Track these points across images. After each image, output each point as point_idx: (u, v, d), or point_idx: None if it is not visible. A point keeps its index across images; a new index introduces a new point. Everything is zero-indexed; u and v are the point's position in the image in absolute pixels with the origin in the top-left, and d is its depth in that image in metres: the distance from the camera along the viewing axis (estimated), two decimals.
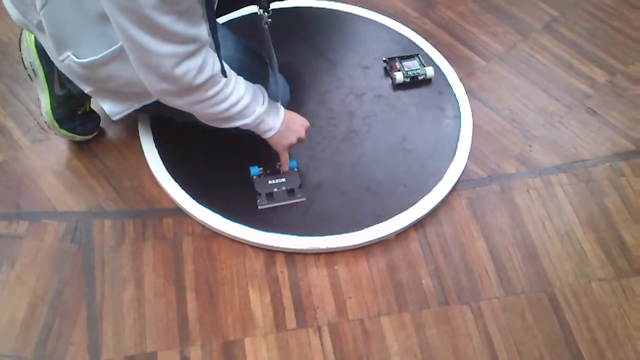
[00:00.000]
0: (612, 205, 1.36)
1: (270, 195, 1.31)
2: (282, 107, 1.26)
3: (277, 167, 1.35)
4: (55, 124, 1.34)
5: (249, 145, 1.30)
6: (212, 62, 1.03)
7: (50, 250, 1.24)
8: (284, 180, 1.34)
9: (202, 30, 0.98)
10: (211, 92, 1.06)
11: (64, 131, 1.35)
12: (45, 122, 1.34)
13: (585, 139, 1.49)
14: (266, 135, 1.24)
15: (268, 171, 1.34)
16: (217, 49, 1.04)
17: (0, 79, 1.53)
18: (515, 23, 1.77)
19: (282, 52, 1.53)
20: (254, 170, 1.33)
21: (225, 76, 1.07)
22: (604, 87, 1.61)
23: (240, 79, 1.14)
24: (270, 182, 1.33)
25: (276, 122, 1.23)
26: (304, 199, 1.32)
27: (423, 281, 1.23)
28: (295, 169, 1.36)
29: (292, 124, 1.27)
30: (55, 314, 1.16)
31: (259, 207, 1.30)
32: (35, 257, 1.23)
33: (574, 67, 1.65)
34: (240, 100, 1.12)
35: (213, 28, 1.01)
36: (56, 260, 1.23)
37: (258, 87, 1.20)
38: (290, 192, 1.32)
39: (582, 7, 1.82)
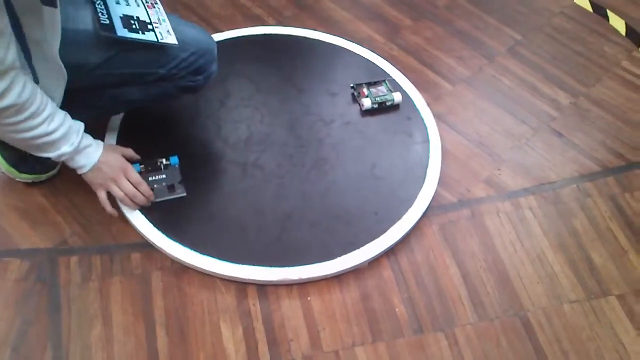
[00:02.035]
0: (580, 226, 1.38)
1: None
2: (101, 148, 1.21)
3: (158, 164, 1.36)
4: (13, 170, 1.31)
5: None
6: (19, 89, 1.00)
7: (13, 289, 1.21)
8: (164, 176, 1.35)
9: (7, 54, 0.95)
10: (11, 119, 1.04)
11: (25, 175, 1.32)
12: (3, 173, 1.31)
13: (552, 161, 1.51)
14: (78, 172, 1.21)
15: (149, 168, 1.35)
16: (34, 76, 1.04)
17: None
18: (481, 47, 1.79)
19: (250, 79, 1.54)
20: (135, 168, 1.31)
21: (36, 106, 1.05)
22: (567, 109, 1.63)
23: (57, 113, 1.11)
24: (150, 178, 1.33)
25: (88, 161, 1.19)
26: (185, 194, 1.33)
27: (397, 309, 1.22)
28: (176, 165, 1.36)
29: (106, 167, 1.22)
30: (19, 357, 1.12)
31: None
32: None
33: (539, 90, 1.67)
34: (45, 136, 1.10)
35: (26, 51, 0.99)
36: (19, 299, 1.19)
37: (76, 125, 1.15)
38: (171, 188, 1.33)
39: (544, 32, 1.86)
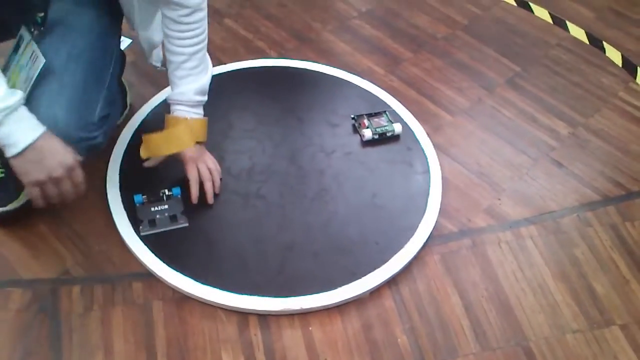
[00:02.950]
0: (582, 256, 1.38)
1: (152, 222, 1.33)
2: (42, 128, 1.04)
3: (161, 194, 1.37)
4: None
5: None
6: None
7: (14, 320, 1.20)
8: (166, 207, 1.36)
9: None
10: None
11: None
12: None
13: (552, 191, 1.51)
14: (6, 153, 1.02)
15: (152, 199, 1.36)
16: None
17: None
18: (480, 78, 1.81)
19: (252, 111, 1.56)
20: (138, 198, 1.34)
21: None
22: (567, 139, 1.65)
23: None
24: (152, 209, 1.35)
25: (20, 138, 1.01)
26: (187, 224, 1.34)
27: (399, 340, 1.21)
28: (179, 196, 1.38)
29: (48, 154, 1.03)
30: None
31: (141, 234, 1.31)
32: None
33: (538, 120, 1.69)
34: None
35: None
36: (21, 330, 1.19)
37: (5, 81, 1.01)
38: (173, 218, 1.34)
39: (542, 63, 1.88)
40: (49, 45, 1.14)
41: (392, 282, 1.30)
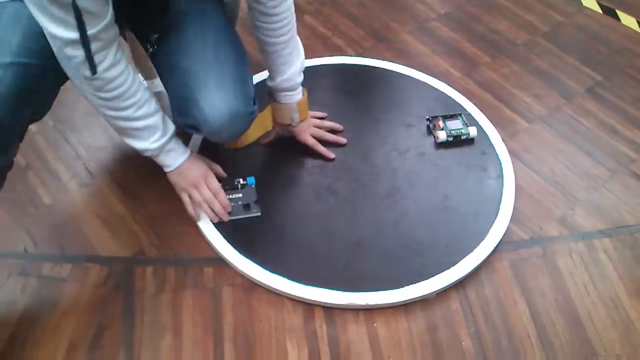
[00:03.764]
0: None
1: None
2: (187, 154, 1.31)
3: (236, 183, 1.41)
4: None
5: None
6: (108, 62, 1.05)
7: (91, 294, 1.26)
8: (240, 195, 1.39)
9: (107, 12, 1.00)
10: (99, 94, 1.10)
11: None
12: None
13: (630, 204, 1.47)
14: (164, 170, 1.31)
15: (227, 187, 1.39)
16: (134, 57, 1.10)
17: (55, 124, 1.58)
18: (559, 86, 1.78)
19: (328, 107, 1.58)
20: None
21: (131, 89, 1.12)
22: None
23: (148, 104, 1.18)
24: (228, 196, 1.37)
25: (172, 162, 1.29)
26: (259, 213, 1.37)
27: (463, 343, 1.21)
28: (253, 185, 1.41)
29: (188, 172, 1.32)
30: (93, 358, 1.16)
31: (215, 220, 1.36)
32: (76, 301, 1.25)
33: (618, 132, 1.64)
34: (129, 120, 1.18)
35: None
36: (97, 304, 1.24)
37: (165, 125, 1.24)
38: (246, 207, 1.38)
39: (627, 73, 1.83)
40: (190, 42, 1.23)
41: (459, 285, 1.29)
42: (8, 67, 1.03)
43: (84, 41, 0.98)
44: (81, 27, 0.96)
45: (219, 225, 1.35)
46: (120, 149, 1.53)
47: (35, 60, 1.06)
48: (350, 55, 1.83)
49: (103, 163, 1.51)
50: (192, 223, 1.37)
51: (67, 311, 1.23)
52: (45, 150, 1.53)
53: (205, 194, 1.33)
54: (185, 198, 1.34)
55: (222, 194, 1.35)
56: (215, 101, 1.19)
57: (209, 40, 1.23)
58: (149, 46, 1.25)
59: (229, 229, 1.34)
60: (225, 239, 1.32)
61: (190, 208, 1.35)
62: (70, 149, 1.54)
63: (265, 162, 1.49)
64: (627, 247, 1.38)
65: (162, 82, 1.27)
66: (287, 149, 1.51)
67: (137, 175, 1.48)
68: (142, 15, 1.25)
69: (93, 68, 1.03)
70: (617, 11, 2.07)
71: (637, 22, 2.02)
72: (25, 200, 1.42)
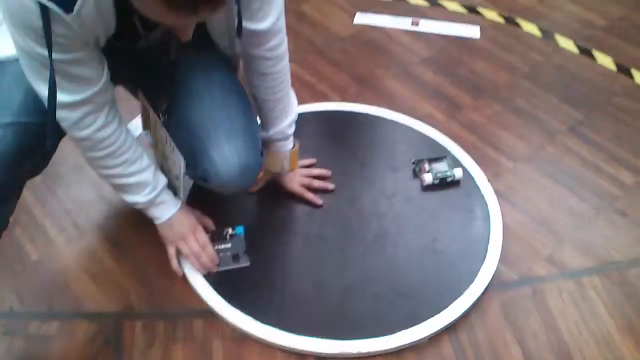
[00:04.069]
0: None
1: None
2: (177, 207, 1.31)
3: (224, 233, 1.41)
4: None
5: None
6: (98, 123, 1.08)
7: (80, 351, 1.24)
8: (229, 245, 1.39)
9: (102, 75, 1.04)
10: (90, 154, 1.14)
11: None
12: None
13: (617, 241, 1.48)
14: (154, 222, 1.32)
15: (215, 237, 1.39)
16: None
17: (43, 179, 1.58)
18: (541, 125, 1.80)
19: (314, 153, 1.59)
20: None
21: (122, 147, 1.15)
22: (632, 188, 1.61)
23: (139, 160, 1.21)
24: (216, 247, 1.37)
25: (161, 215, 1.30)
26: (248, 263, 1.36)
27: None
28: (242, 235, 1.40)
29: (177, 225, 1.32)
30: None
31: (202, 272, 1.35)
32: (65, 358, 1.23)
33: (601, 169, 1.67)
34: (120, 177, 1.20)
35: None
36: None
37: (156, 180, 1.26)
38: (235, 257, 1.37)
39: (606, 111, 1.86)
40: (198, 96, 1.24)
41: (451, 328, 1.29)
42: (8, 127, 1.04)
43: (51, 115, 0.99)
44: (52, 99, 0.97)
45: (208, 277, 1.34)
46: (108, 204, 1.53)
47: (36, 118, 1.06)
48: (336, 101, 1.85)
49: (91, 218, 1.50)
50: (181, 276, 1.36)
51: None
52: (33, 206, 1.53)
53: (192, 247, 1.33)
54: (171, 251, 1.35)
55: (208, 247, 1.34)
56: (227, 154, 1.21)
57: (216, 94, 1.25)
58: (160, 114, 1.27)
59: (218, 280, 1.34)
60: (215, 290, 1.32)
61: (174, 262, 1.35)
62: (58, 204, 1.53)
63: (253, 211, 1.50)
64: (615, 284, 1.39)
65: (173, 139, 1.27)
66: (275, 197, 1.51)
67: (126, 229, 1.48)
68: (151, 84, 1.29)
69: (50, 148, 1.08)
70: (593, 51, 2.12)
71: (613, 61, 2.07)
72: (12, 258, 1.41)
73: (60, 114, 1.03)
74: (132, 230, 1.47)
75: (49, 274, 1.39)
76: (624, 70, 2.03)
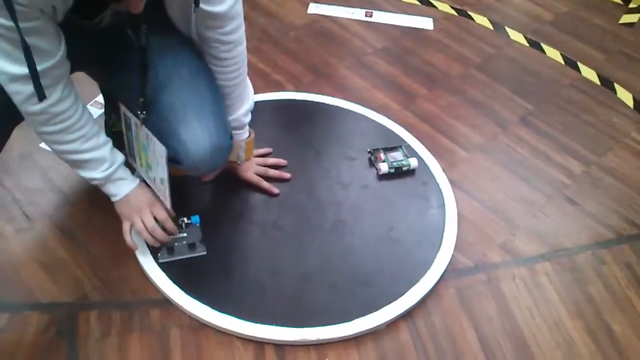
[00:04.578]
0: (597, 294, 1.38)
1: (170, 249, 1.35)
2: (135, 184, 1.30)
3: (180, 222, 1.38)
4: None
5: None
6: (53, 98, 1.07)
7: (32, 343, 1.20)
8: (185, 235, 1.37)
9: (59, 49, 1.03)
10: (45, 128, 1.12)
11: None
12: None
13: (567, 228, 1.52)
14: (111, 199, 1.30)
15: None
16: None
17: None
18: (494, 116, 1.84)
19: (270, 142, 1.58)
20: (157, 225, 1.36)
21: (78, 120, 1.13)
22: (580, 177, 1.66)
23: (95, 136, 1.19)
24: (171, 236, 1.35)
25: (118, 191, 1.28)
26: (205, 252, 1.35)
27: None
28: (197, 224, 1.39)
29: (134, 200, 1.30)
30: None
31: (160, 261, 1.33)
32: (15, 351, 1.19)
33: (551, 158, 1.71)
34: (76, 153, 1.19)
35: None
36: (38, 354, 1.19)
37: (113, 156, 1.24)
38: (191, 246, 1.36)
39: (555, 102, 1.91)
40: (166, 77, 1.22)
41: (408, 315, 1.30)
42: None
43: (34, 77, 0.98)
44: (30, 63, 0.97)
45: (164, 266, 1.32)
46: (58, 192, 1.49)
47: None
48: (290, 91, 1.84)
49: (41, 207, 1.46)
50: (136, 265, 1.33)
51: None
52: None
53: (147, 222, 1.30)
54: (125, 226, 1.32)
55: (169, 222, 1.33)
56: (198, 134, 1.20)
57: (184, 74, 1.23)
58: (139, 112, 1.23)
59: (174, 270, 1.31)
60: (171, 279, 1.29)
61: (127, 236, 1.31)
62: (6, 193, 1.48)
63: (209, 200, 1.48)
64: (566, 269, 1.42)
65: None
66: (230, 186, 1.49)
67: (77, 218, 1.44)
68: (122, 75, 1.26)
69: (42, 99, 1.03)
70: (542, 44, 2.17)
71: (561, 54, 2.12)
72: None
73: (13, 87, 1.01)
74: (84, 219, 1.43)
75: None
76: (571, 64, 2.08)
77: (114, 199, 1.30)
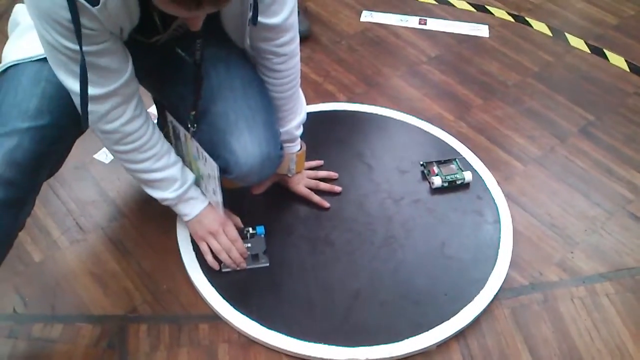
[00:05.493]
0: None
1: None
2: (206, 201, 1.32)
3: (245, 232, 1.39)
4: None
5: None
6: (126, 117, 1.09)
7: (84, 355, 1.22)
8: (249, 245, 1.37)
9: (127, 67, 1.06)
10: (117, 147, 1.15)
11: None
12: None
13: (629, 246, 1.46)
14: (183, 219, 1.34)
15: None
16: (159, 112, 1.12)
17: None
18: (552, 127, 1.78)
19: (320, 155, 1.57)
20: None
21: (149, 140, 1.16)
22: None
23: (167, 155, 1.22)
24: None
25: (190, 211, 1.31)
26: (268, 264, 1.35)
27: None
28: (262, 235, 1.40)
29: (205, 219, 1.32)
30: None
31: (223, 270, 1.34)
32: None
33: (613, 172, 1.64)
34: (148, 172, 1.21)
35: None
36: None
37: (184, 175, 1.27)
38: (255, 257, 1.36)
39: (618, 112, 1.83)
40: (218, 88, 1.23)
41: (460, 335, 1.26)
42: (25, 133, 1.04)
43: (82, 98, 1.00)
44: (84, 84, 0.99)
45: (214, 281, 1.32)
46: (112, 204, 1.51)
47: (51, 121, 1.07)
48: (342, 102, 1.83)
49: (94, 218, 1.48)
50: (186, 279, 1.34)
51: None
52: (35, 206, 1.50)
53: (223, 242, 1.33)
54: (203, 247, 1.34)
55: (239, 242, 1.34)
56: (248, 144, 1.21)
57: (236, 85, 1.24)
58: (190, 126, 1.25)
59: (224, 284, 1.32)
60: (220, 295, 1.29)
61: (209, 257, 1.34)
62: (61, 204, 1.51)
63: (259, 213, 1.47)
64: (628, 290, 1.36)
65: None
66: (281, 199, 1.49)
67: (129, 231, 1.46)
68: (176, 90, 1.27)
69: (85, 126, 1.06)
70: (605, 51, 2.09)
71: (625, 61, 2.04)
72: (14, 258, 1.39)
73: (88, 107, 1.03)
74: (136, 232, 1.45)
75: (52, 275, 1.37)
76: (636, 71, 2.00)
77: (186, 219, 1.32)
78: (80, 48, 0.93)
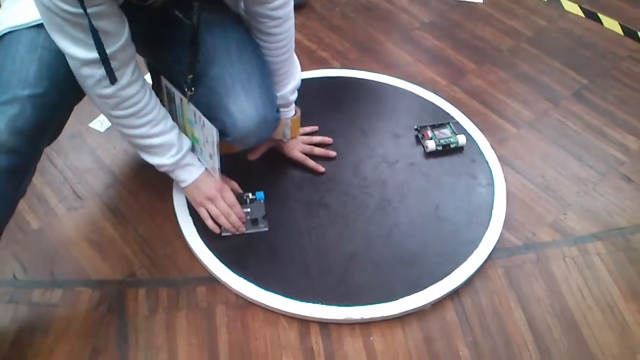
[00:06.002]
0: None
1: None
2: (201, 168, 1.33)
3: (245, 198, 1.41)
4: None
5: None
6: (123, 81, 1.09)
7: (84, 318, 1.24)
8: (249, 210, 1.39)
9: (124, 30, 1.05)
10: (115, 112, 1.15)
11: None
12: None
13: (621, 207, 1.47)
14: (180, 185, 1.35)
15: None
16: (154, 77, 1.12)
17: None
18: (545, 91, 1.78)
19: (314, 121, 1.57)
20: None
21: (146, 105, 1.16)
22: (637, 153, 1.60)
23: (163, 121, 1.22)
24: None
25: (187, 177, 1.31)
26: (267, 229, 1.37)
27: (460, 353, 1.20)
28: (262, 200, 1.41)
29: (204, 186, 1.33)
30: None
31: (222, 235, 1.35)
32: (68, 326, 1.23)
33: (606, 134, 1.65)
34: (145, 137, 1.21)
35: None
36: (90, 329, 1.22)
37: (181, 141, 1.27)
38: (254, 222, 1.38)
39: (611, 75, 1.84)
40: (214, 51, 1.23)
41: (454, 294, 1.28)
42: (27, 100, 1.04)
43: (104, 60, 1.02)
44: (99, 46, 0.99)
45: (211, 244, 1.33)
46: (108, 171, 1.52)
47: (51, 88, 1.07)
48: (336, 68, 1.83)
49: (91, 186, 1.49)
50: (183, 243, 1.36)
51: (60, 337, 1.21)
52: None
53: (221, 207, 1.34)
54: (202, 212, 1.35)
55: (237, 207, 1.36)
56: (245, 106, 1.21)
57: (232, 49, 1.24)
58: (187, 90, 1.25)
59: (221, 248, 1.33)
60: (217, 257, 1.31)
61: (209, 222, 1.35)
62: (57, 173, 1.52)
63: (254, 178, 1.48)
64: (620, 249, 1.38)
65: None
66: (276, 164, 1.50)
67: (126, 197, 1.47)
68: (173, 53, 1.27)
69: (114, 82, 1.06)
70: (599, 15, 2.08)
71: (620, 25, 2.04)
72: (13, 226, 1.40)
73: (85, 71, 1.04)
74: (133, 198, 1.46)
75: (51, 242, 1.38)
76: (630, 34, 2.00)
77: (183, 185, 1.33)
78: (84, 9, 0.93)
